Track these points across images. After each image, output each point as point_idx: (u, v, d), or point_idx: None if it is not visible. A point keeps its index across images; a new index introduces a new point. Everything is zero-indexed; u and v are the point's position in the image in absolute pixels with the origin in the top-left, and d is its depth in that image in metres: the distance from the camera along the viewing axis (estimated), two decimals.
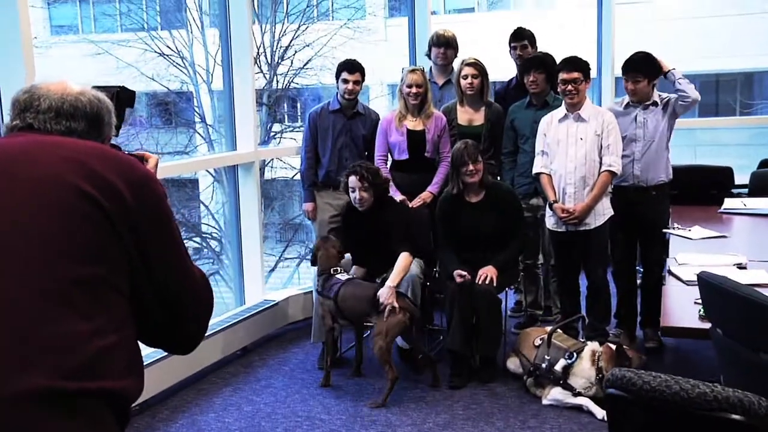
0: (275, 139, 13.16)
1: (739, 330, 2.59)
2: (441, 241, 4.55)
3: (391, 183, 4.84)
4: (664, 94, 4.61)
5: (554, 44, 5.32)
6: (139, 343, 1.56)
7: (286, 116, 14.31)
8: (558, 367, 3.98)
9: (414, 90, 4.78)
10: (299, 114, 14.35)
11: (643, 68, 4.51)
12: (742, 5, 12.37)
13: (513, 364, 4.32)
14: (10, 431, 1.30)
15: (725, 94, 13.97)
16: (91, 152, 1.53)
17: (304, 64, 13.08)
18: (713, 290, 2.64)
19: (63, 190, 1.45)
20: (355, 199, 4.39)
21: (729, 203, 4.96)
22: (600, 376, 3.87)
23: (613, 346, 3.99)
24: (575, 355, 3.97)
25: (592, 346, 4.03)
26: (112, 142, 1.76)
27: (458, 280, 4.26)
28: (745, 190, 5.44)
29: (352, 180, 4.37)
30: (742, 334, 2.58)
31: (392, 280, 4.20)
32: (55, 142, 1.55)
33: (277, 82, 13.20)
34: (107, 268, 1.45)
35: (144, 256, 1.51)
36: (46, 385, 1.33)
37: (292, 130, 13.44)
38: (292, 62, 13.12)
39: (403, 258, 4.32)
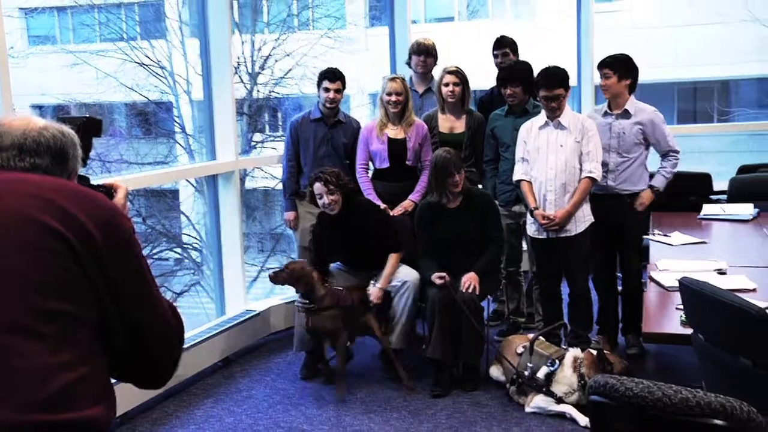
0: (256, 148, 13.13)
1: (720, 335, 2.61)
2: (420, 248, 4.54)
3: (372, 191, 4.85)
4: (643, 106, 4.62)
5: (534, 53, 5.35)
6: None
7: (266, 126, 14.28)
8: (540, 374, 3.98)
9: (394, 98, 4.78)
10: (280, 123, 14.32)
11: (613, 64, 4.55)
12: (717, 14, 12.50)
13: (496, 371, 4.32)
14: None
15: (703, 101, 14.11)
16: (56, 189, 1.53)
17: (285, 74, 13.06)
18: (695, 296, 2.65)
19: (31, 226, 1.45)
20: (325, 205, 4.39)
21: (708, 209, 4.99)
22: (582, 382, 3.87)
23: (595, 352, 4.00)
24: (557, 362, 3.98)
25: (574, 352, 4.04)
26: (80, 173, 1.75)
27: (438, 281, 4.26)
28: (724, 196, 5.48)
29: (318, 187, 4.37)
30: (723, 339, 2.59)
31: (381, 282, 4.34)
32: (20, 179, 1.55)
33: (258, 91, 13.17)
34: (76, 305, 1.46)
35: (112, 292, 1.51)
36: (15, 420, 1.33)
37: (272, 140, 13.40)
38: (272, 72, 13.10)
39: (392, 258, 4.44)
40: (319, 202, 4.40)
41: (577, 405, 3.89)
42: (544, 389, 3.95)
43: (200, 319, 5.17)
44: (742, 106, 13.87)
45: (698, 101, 14.19)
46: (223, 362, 4.84)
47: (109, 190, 1.81)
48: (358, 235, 4.43)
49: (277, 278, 4.33)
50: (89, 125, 1.89)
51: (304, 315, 4.34)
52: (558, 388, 3.95)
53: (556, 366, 3.96)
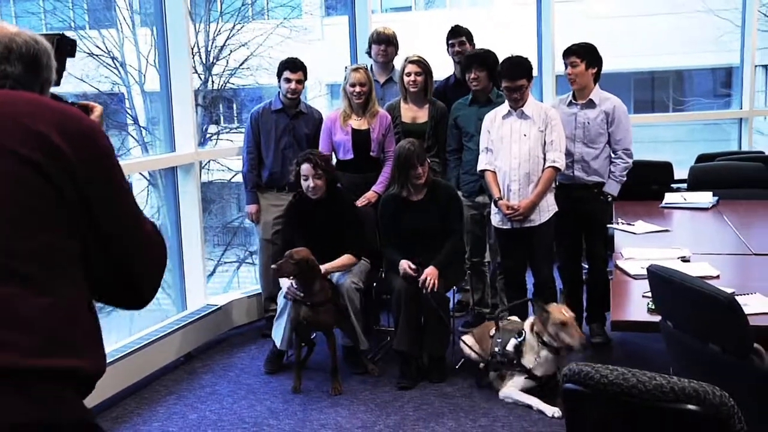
0: (212, 141, 13.00)
1: (689, 322, 2.65)
2: (384, 240, 4.55)
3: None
4: (607, 95, 4.67)
5: (493, 42, 5.35)
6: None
7: (221, 117, 14.14)
8: (510, 347, 4.03)
9: (358, 89, 4.77)
10: (235, 115, 14.19)
11: (580, 52, 4.59)
12: (672, 5, 12.70)
13: (469, 341, 4.33)
14: None
15: (659, 91, 14.33)
16: (26, 107, 1.47)
17: (240, 64, 12.94)
18: (663, 283, 2.69)
19: (1, 159, 1.41)
20: (309, 187, 4.37)
21: (669, 198, 5.06)
22: (540, 340, 3.97)
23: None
24: (523, 332, 4.03)
25: (530, 320, 4.12)
26: (53, 91, 1.70)
27: (409, 270, 4.27)
28: (684, 185, 5.57)
29: (306, 168, 4.35)
30: (692, 326, 2.63)
31: (324, 268, 4.29)
32: None
33: (213, 82, 13.03)
34: (56, 234, 1.42)
35: (90, 213, 1.47)
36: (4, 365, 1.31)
37: (228, 132, 13.29)
38: (227, 62, 12.96)
39: (346, 258, 4.40)
40: (304, 183, 4.39)
41: (546, 379, 3.98)
42: (515, 362, 3.99)
43: (160, 315, 5.10)
44: (697, 95, 14.11)
45: (654, 91, 14.41)
46: (185, 358, 4.79)
47: (85, 108, 1.73)
48: (329, 224, 4.42)
49: (281, 271, 4.14)
50: (63, 43, 1.79)
51: (299, 308, 4.23)
52: (528, 360, 3.99)
53: (521, 337, 4.01)
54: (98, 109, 1.79)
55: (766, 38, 9.66)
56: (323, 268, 4.29)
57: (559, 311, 3.96)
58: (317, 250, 4.49)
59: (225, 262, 13.12)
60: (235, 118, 14.05)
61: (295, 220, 4.54)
